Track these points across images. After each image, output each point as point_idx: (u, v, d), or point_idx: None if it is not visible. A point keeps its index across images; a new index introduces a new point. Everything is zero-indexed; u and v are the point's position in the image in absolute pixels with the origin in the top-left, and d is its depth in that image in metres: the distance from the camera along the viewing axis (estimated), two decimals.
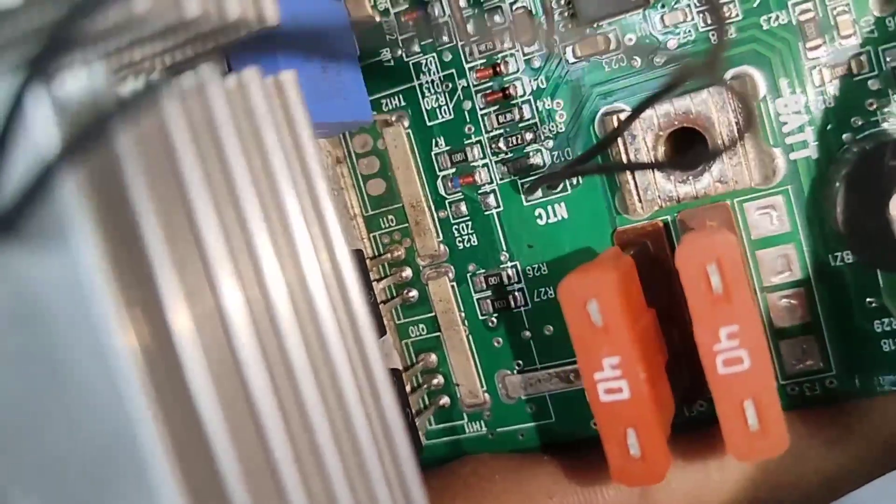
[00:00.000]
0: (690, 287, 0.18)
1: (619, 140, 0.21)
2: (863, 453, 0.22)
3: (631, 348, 0.18)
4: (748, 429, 0.18)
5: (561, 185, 0.23)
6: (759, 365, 0.18)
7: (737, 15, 0.21)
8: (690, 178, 0.21)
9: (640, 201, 0.22)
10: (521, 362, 0.24)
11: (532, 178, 0.23)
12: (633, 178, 0.21)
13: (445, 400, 0.25)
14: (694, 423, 0.23)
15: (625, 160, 0.21)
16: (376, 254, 0.25)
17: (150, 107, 0.13)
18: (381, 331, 0.23)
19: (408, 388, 0.24)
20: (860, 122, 0.21)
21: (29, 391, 0.11)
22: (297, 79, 0.17)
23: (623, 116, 0.21)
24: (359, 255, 0.23)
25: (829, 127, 0.21)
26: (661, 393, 0.20)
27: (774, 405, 0.18)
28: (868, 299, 0.21)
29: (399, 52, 0.24)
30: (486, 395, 0.25)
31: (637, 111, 0.18)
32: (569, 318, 0.19)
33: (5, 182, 0.11)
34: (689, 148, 0.21)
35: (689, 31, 0.21)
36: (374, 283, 0.24)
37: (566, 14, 0.22)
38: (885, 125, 0.20)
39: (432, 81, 0.24)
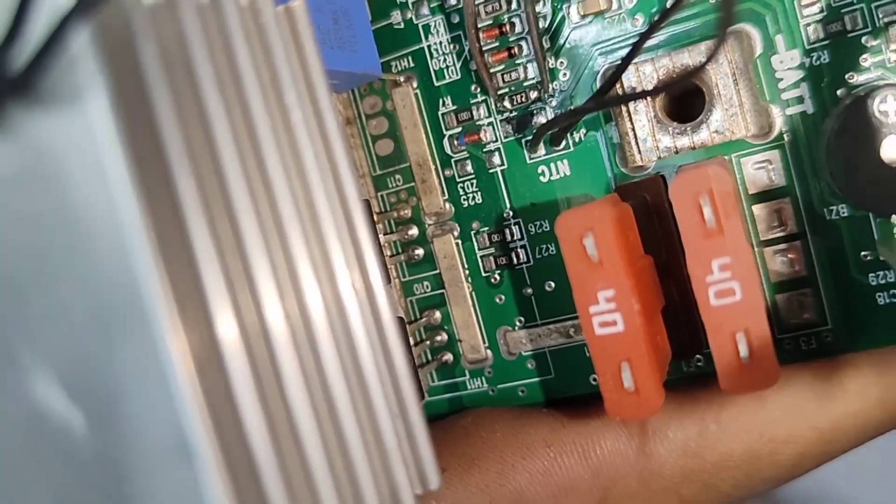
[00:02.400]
0: (683, 219, 0.19)
1: (621, 92, 0.22)
2: (857, 409, 0.23)
3: (625, 282, 0.19)
4: (740, 361, 0.19)
5: (563, 142, 0.24)
6: (750, 296, 0.18)
7: None
8: (688, 129, 0.22)
9: (640, 152, 0.22)
10: (522, 318, 0.25)
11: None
12: (633, 129, 0.22)
13: (449, 356, 0.26)
14: (691, 377, 0.24)
15: (626, 113, 0.22)
16: (383, 211, 0.26)
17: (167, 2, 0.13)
18: (387, 279, 0.24)
19: (412, 341, 0.25)
20: (854, 77, 0.21)
21: (42, 246, 0.12)
22: (307, 9, 0.17)
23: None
24: (367, 206, 0.24)
25: (823, 82, 0.21)
26: (655, 333, 0.20)
27: (765, 337, 0.19)
28: (863, 252, 0.22)
29: (409, 14, 0.25)
30: (488, 350, 0.25)
31: (633, 51, 0.19)
32: (565, 253, 0.19)
33: (25, 46, 0.11)
34: (687, 102, 0.22)
35: None
36: (382, 238, 0.25)
37: None
38: (876, 79, 0.21)
39: (440, 43, 0.24)
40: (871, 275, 0.22)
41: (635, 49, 0.18)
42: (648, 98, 0.22)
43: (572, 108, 0.23)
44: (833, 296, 0.22)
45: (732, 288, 0.18)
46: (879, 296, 0.22)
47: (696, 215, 0.18)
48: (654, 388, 0.19)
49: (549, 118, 0.24)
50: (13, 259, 0.12)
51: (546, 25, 0.23)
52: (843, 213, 0.22)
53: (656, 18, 0.18)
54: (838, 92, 0.21)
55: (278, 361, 0.14)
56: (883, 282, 0.22)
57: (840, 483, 0.48)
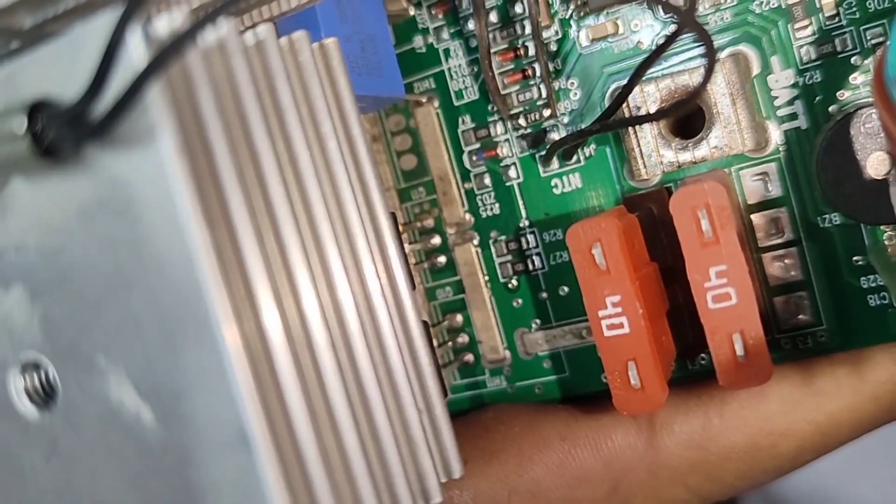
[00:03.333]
0: (683, 230, 0.20)
1: (626, 111, 0.24)
2: (851, 404, 0.24)
3: (630, 288, 0.21)
4: (736, 359, 0.20)
5: (575, 157, 0.25)
6: (745, 301, 0.20)
7: (731, 0, 0.23)
8: (690, 145, 0.24)
9: (645, 167, 0.24)
10: (538, 321, 0.27)
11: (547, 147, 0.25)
12: (639, 145, 0.24)
13: (469, 357, 0.28)
14: (696, 375, 0.25)
15: (631, 131, 0.24)
16: (408, 221, 0.28)
17: (218, 48, 0.15)
18: (412, 285, 0.26)
19: (435, 343, 0.27)
20: (845, 95, 0.23)
21: (116, 265, 0.14)
22: (339, 45, 0.19)
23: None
24: (393, 218, 0.25)
25: (816, 100, 0.23)
26: (660, 334, 0.22)
27: (759, 337, 0.20)
28: (854, 257, 0.23)
29: (430, 39, 0.26)
30: (507, 351, 0.27)
31: (635, 76, 0.21)
32: (575, 261, 0.21)
33: (107, 95, 0.13)
34: (688, 119, 0.24)
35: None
36: (407, 247, 0.27)
37: (578, 2, 0.25)
38: (865, 96, 0.23)
39: (459, 66, 0.26)
40: (862, 278, 0.23)
41: (635, 78, 0.20)
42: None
43: (581, 128, 0.25)
44: (827, 298, 0.24)
45: (728, 293, 0.20)
46: (871, 298, 0.24)
47: (695, 227, 0.20)
48: (659, 385, 0.21)
49: (561, 135, 0.25)
50: (92, 277, 0.14)
51: (557, 49, 0.25)
52: (836, 221, 0.23)
53: (650, 54, 0.20)
54: (830, 109, 0.23)
55: (319, 361, 0.16)
56: (874, 285, 0.23)
57: (840, 483, 0.49)
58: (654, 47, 0.23)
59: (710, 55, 0.17)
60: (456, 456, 0.19)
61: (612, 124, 0.23)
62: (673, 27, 0.20)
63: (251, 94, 0.16)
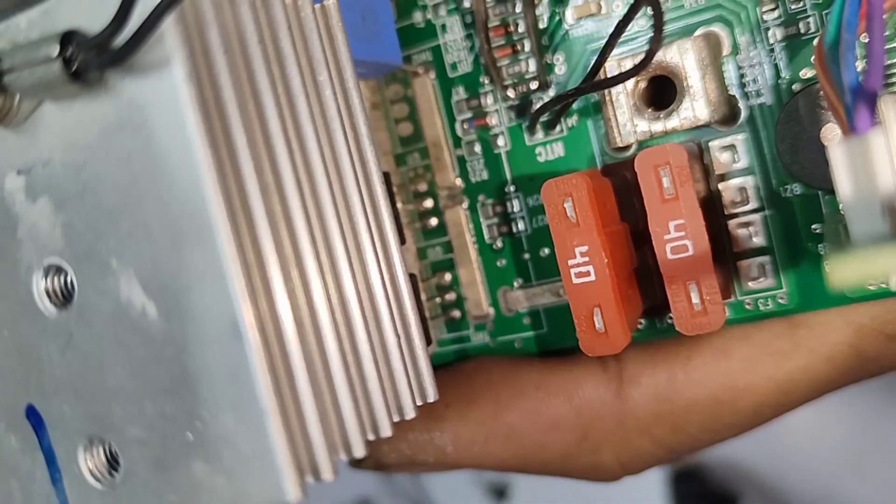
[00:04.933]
0: (646, 186, 0.22)
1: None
2: (807, 363, 0.26)
3: (597, 239, 0.23)
4: (692, 307, 0.22)
5: (558, 127, 0.27)
6: (700, 252, 0.22)
7: None
8: (662, 115, 0.25)
9: (620, 135, 0.26)
10: (520, 280, 0.29)
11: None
12: (615, 114, 0.26)
13: (456, 312, 0.30)
14: (664, 332, 0.27)
15: (609, 100, 0.26)
16: (403, 183, 0.30)
17: None
18: (402, 240, 0.28)
19: (424, 296, 0.29)
20: (808, 74, 0.25)
21: (131, 178, 0.16)
22: (339, 6, 0.21)
23: (609, 66, 0.26)
24: (386, 177, 0.28)
25: (781, 78, 0.25)
26: (626, 287, 0.24)
27: (713, 287, 0.22)
28: (813, 225, 0.25)
29: (429, 14, 0.29)
30: (490, 308, 0.29)
31: (606, 47, 0.23)
32: (549, 214, 0.23)
33: (129, 27, 0.16)
34: (663, 91, 0.26)
35: None
36: (400, 205, 0.29)
37: None
38: None
39: (455, 40, 0.28)
40: (819, 245, 0.25)
41: (606, 49, 0.22)
42: (627, 87, 0.25)
43: (559, 94, 0.27)
44: (788, 263, 0.26)
45: (686, 245, 0.22)
46: (827, 263, 0.25)
47: (657, 183, 0.22)
48: (621, 330, 0.23)
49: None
50: (109, 189, 0.17)
51: (545, 26, 0.27)
52: (797, 191, 0.25)
53: (617, 25, 0.22)
54: (794, 87, 0.25)
55: (307, 276, 0.18)
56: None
57: (840, 483, 0.51)
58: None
59: (659, 22, 0.19)
60: (430, 381, 0.21)
61: (584, 88, 0.25)
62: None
63: (255, 38, 0.18)
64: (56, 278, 0.18)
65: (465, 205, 0.29)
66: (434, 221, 0.29)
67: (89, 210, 0.17)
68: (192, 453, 0.16)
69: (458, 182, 0.29)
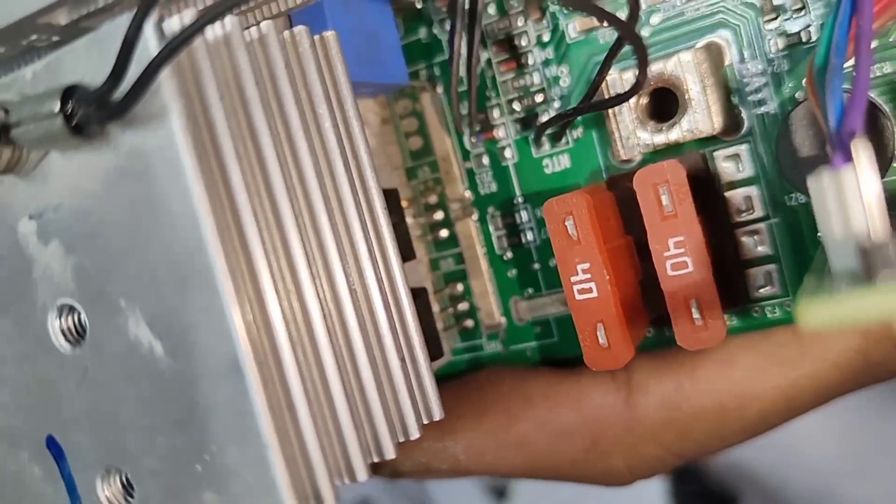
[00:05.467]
0: (645, 204, 0.22)
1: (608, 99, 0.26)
2: (814, 370, 0.26)
3: (599, 256, 0.23)
4: (693, 322, 0.23)
5: (564, 139, 0.28)
6: (701, 269, 0.22)
7: None
8: (664, 128, 0.26)
9: (623, 147, 0.26)
10: (530, 290, 0.29)
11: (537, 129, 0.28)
12: (618, 128, 0.26)
13: (469, 322, 0.30)
14: (669, 342, 0.27)
15: (612, 114, 0.26)
16: (414, 197, 0.30)
17: (224, 42, 0.18)
18: (412, 255, 0.28)
19: (437, 308, 0.29)
20: None
21: (135, 223, 0.17)
22: (338, 38, 0.22)
23: (611, 78, 0.26)
24: (395, 194, 0.28)
25: (783, 87, 0.25)
26: (629, 300, 0.24)
27: (714, 303, 0.22)
28: (818, 233, 0.25)
29: (435, 31, 0.29)
30: (502, 318, 0.30)
31: (606, 62, 0.23)
32: (551, 232, 0.23)
33: (126, 81, 0.16)
34: (663, 104, 0.26)
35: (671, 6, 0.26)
36: (411, 220, 0.29)
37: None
38: None
39: (460, 54, 0.29)
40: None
41: (603, 70, 0.22)
42: (630, 101, 0.26)
43: (559, 112, 0.27)
44: (794, 270, 0.26)
45: (685, 262, 0.22)
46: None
47: (656, 201, 0.22)
48: (624, 345, 0.23)
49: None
50: (116, 233, 0.17)
51: (549, 39, 0.27)
52: (801, 200, 0.25)
53: (604, 59, 0.22)
54: (797, 95, 0.25)
55: (307, 307, 0.18)
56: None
57: (840, 483, 0.50)
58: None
59: (643, 63, 0.19)
60: (436, 400, 0.22)
61: (582, 109, 0.25)
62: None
63: (251, 81, 0.18)
64: (70, 317, 0.18)
65: (475, 217, 0.30)
66: (445, 233, 0.30)
67: (98, 252, 0.18)
68: (203, 484, 0.17)
69: (468, 194, 0.30)
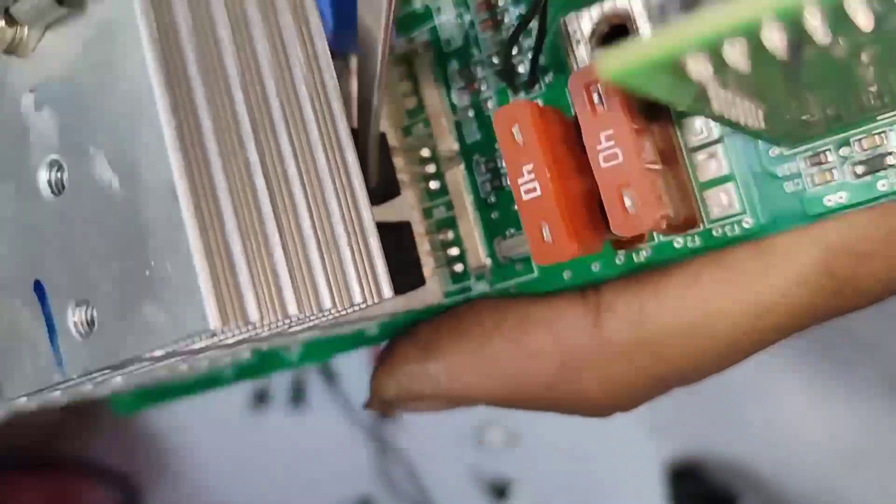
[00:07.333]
0: (578, 104, 0.24)
1: (568, 39, 0.28)
2: (778, 284, 0.26)
3: (542, 157, 0.25)
4: (627, 210, 0.24)
5: (537, 86, 0.30)
6: (630, 159, 0.24)
7: None
8: None
9: None
10: (512, 230, 0.31)
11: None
12: (577, 65, 0.28)
13: (460, 266, 0.32)
14: (642, 267, 0.29)
15: (571, 53, 0.28)
16: (409, 150, 0.33)
17: None
18: (396, 191, 0.31)
19: (428, 248, 0.32)
20: None
21: (101, 80, 0.20)
22: None
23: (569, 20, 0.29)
24: (382, 138, 0.31)
25: None
26: (575, 201, 0.26)
27: (644, 191, 0.24)
28: (771, 149, 0.26)
29: (427, 1, 0.32)
30: (488, 258, 0.32)
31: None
32: (499, 138, 0.26)
33: None
34: (618, 35, 0.28)
35: None
36: (402, 165, 0.32)
37: None
38: None
39: (448, 19, 0.32)
40: (778, 167, 0.26)
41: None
42: (585, 37, 0.28)
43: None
44: (750, 188, 0.27)
45: (616, 153, 0.24)
46: (786, 184, 0.26)
47: (588, 100, 0.24)
48: (567, 240, 0.25)
49: (526, 69, 0.30)
50: (89, 90, 0.21)
51: None
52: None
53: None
54: None
55: (246, 149, 0.21)
56: (789, 173, 0.26)
57: (840, 483, 0.49)
58: None
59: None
60: (386, 279, 0.24)
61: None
62: None
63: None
64: (56, 172, 0.22)
65: (463, 165, 0.32)
66: (436, 184, 0.32)
67: (75, 111, 0.21)
68: (143, 297, 0.20)
69: (456, 145, 0.32)
